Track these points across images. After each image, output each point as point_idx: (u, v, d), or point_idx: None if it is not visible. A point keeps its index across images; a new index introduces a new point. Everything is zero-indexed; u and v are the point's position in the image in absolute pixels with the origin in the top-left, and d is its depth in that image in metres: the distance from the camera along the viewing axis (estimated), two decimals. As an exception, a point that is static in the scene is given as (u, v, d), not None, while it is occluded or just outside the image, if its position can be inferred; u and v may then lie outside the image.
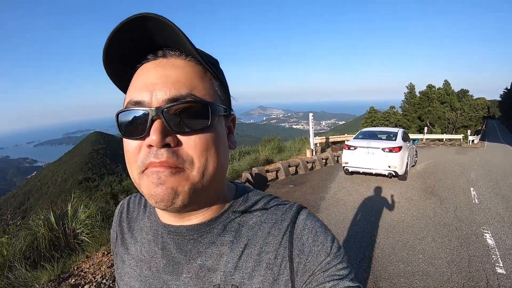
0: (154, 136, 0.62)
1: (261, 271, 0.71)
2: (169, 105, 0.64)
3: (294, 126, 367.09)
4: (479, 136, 41.87)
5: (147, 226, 0.87)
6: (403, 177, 11.50)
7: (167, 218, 0.79)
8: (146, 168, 0.66)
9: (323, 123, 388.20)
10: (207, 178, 0.69)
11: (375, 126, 35.04)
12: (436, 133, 45.07)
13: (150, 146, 0.64)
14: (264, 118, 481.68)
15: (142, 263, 0.83)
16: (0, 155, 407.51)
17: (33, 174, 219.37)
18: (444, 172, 13.79)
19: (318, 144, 20.02)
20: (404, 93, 60.92)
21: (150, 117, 0.64)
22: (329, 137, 22.71)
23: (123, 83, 0.76)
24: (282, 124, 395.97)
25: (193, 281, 0.74)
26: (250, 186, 10.04)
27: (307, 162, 14.34)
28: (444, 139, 36.25)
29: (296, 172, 13.44)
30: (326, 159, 15.81)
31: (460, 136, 37.76)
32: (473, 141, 34.34)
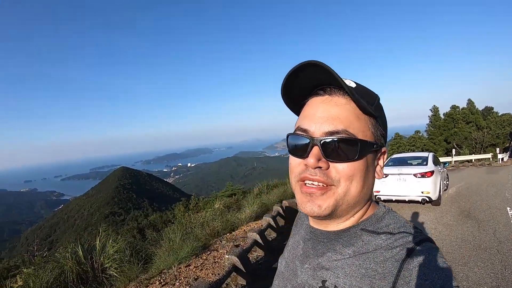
0: (311, 159, 0.86)
1: (362, 286, 0.81)
2: (327, 137, 0.86)
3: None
4: (508, 153, 40.65)
5: (305, 224, 1.14)
6: (437, 202, 11.15)
7: (312, 220, 1.06)
8: (301, 180, 0.90)
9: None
10: (348, 198, 0.88)
11: (402, 152, 34.47)
12: (464, 154, 43.91)
13: (306, 165, 0.88)
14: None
15: (291, 249, 1.15)
16: (28, 187, 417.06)
17: (60, 207, 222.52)
18: (478, 194, 13.40)
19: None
20: (428, 116, 59.78)
21: (310, 143, 0.87)
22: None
23: (295, 107, 1.02)
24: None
25: (310, 272, 0.96)
26: (282, 219, 9.96)
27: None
28: (473, 160, 35.24)
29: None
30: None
31: (489, 155, 36.60)
32: (502, 159, 33.29)
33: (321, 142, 0.86)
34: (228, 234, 9.25)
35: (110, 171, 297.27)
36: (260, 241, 7.29)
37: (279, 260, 1.21)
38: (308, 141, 0.88)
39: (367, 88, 0.97)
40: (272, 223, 9.02)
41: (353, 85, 0.92)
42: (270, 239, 8.59)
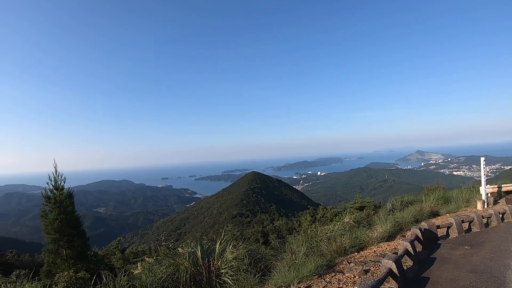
0: None
1: None
2: None
3: (454, 173, 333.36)
4: None
5: None
6: None
7: None
8: None
9: (487, 168, 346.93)
10: None
11: None
12: None
13: None
14: (422, 164, 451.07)
15: None
16: (164, 184, 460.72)
17: (192, 204, 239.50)
18: None
19: (489, 194, 17.01)
20: None
21: None
22: (502, 185, 19.18)
23: None
24: (442, 171, 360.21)
25: None
26: (419, 244, 8.54)
27: (482, 217, 11.93)
28: None
29: (469, 229, 11.29)
30: (503, 214, 13.02)
31: None
32: None
33: None
34: (356, 253, 8.47)
35: (241, 175, 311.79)
36: (395, 271, 6.13)
37: None
38: None
39: None
40: (410, 249, 7.67)
41: None
42: (406, 268, 7.32)
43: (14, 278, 15.59)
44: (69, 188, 11.75)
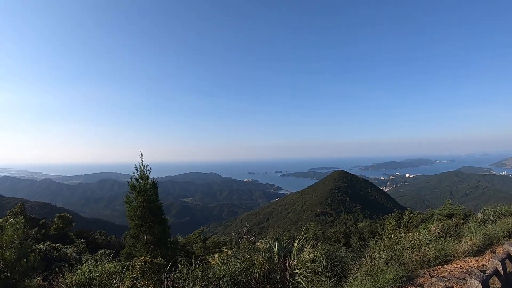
0: None
1: None
2: None
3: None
4: None
5: None
6: None
7: None
8: None
9: None
10: None
11: None
12: None
13: None
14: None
15: None
16: (250, 178, 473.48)
17: (277, 199, 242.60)
18: None
19: None
20: None
21: None
22: None
23: None
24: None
25: None
26: (510, 263, 7.59)
27: None
28: None
29: None
30: None
31: None
32: None
33: None
34: (440, 266, 7.75)
35: (328, 173, 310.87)
36: (482, 292, 5.44)
37: None
38: None
39: None
40: (500, 269, 6.78)
41: None
42: (493, 289, 6.55)
43: (99, 256, 16.78)
44: (154, 178, 12.26)
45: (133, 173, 12.00)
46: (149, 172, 12.18)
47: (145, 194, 11.57)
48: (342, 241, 36.70)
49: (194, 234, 30.05)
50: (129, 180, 12.03)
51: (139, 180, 11.94)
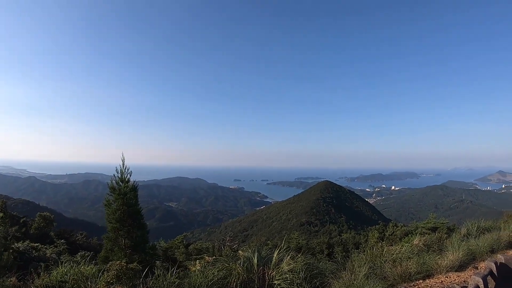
0: None
1: None
2: None
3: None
4: None
5: None
6: None
7: None
8: None
9: None
10: None
11: None
12: None
13: None
14: (504, 186, 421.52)
15: None
16: (236, 185, 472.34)
17: (262, 207, 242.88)
18: None
19: None
20: None
21: None
22: None
23: None
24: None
25: None
26: (492, 280, 7.49)
27: None
28: None
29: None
30: None
31: None
32: None
33: None
34: (421, 281, 7.76)
35: (314, 183, 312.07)
36: (462, 311, 5.32)
37: None
38: None
39: None
40: (481, 286, 6.66)
41: None
42: (473, 307, 6.45)
43: (79, 258, 16.48)
44: (134, 181, 12.04)
45: (114, 175, 11.78)
46: (130, 175, 11.94)
47: (125, 198, 11.35)
48: (326, 251, 36.77)
49: (177, 239, 29.74)
50: (109, 182, 11.83)
51: (120, 182, 11.72)
